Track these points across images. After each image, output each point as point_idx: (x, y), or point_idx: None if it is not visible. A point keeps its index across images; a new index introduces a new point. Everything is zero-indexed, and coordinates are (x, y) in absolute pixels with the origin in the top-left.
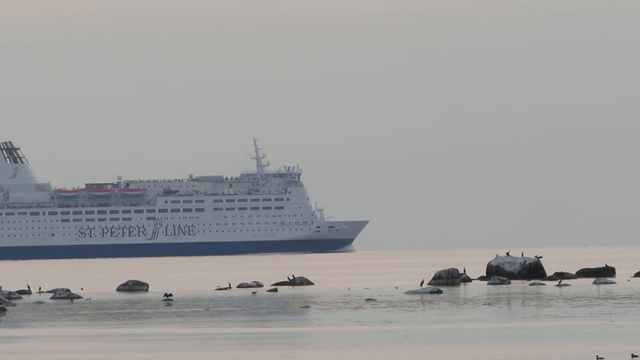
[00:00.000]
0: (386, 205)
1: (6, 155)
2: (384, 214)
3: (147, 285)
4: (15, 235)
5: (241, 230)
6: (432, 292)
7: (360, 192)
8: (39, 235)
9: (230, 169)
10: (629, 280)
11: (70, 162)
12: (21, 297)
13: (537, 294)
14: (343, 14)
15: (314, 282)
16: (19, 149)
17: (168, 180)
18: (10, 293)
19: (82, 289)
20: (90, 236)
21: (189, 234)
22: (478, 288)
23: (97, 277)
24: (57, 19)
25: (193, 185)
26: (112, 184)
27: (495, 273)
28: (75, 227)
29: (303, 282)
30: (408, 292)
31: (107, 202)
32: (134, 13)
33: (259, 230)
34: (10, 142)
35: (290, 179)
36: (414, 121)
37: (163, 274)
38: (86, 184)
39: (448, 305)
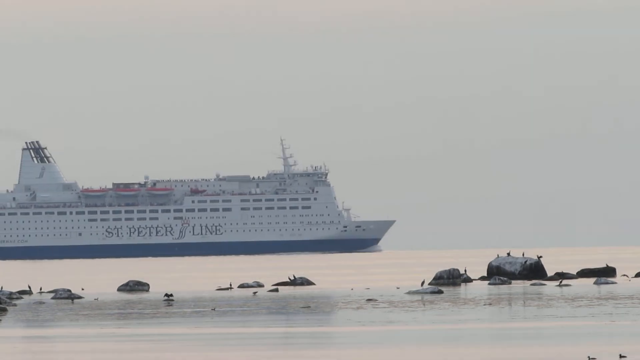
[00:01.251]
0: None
1: (33, 155)
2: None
3: (147, 285)
4: (42, 235)
5: (268, 230)
6: (432, 293)
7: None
8: (66, 235)
9: (257, 168)
10: (625, 276)
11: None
12: (22, 298)
13: (537, 294)
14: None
15: (315, 282)
16: (46, 148)
17: (195, 180)
18: (11, 293)
19: (83, 289)
20: (118, 236)
21: (216, 233)
22: (479, 288)
23: (98, 277)
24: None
25: (220, 185)
26: (139, 184)
27: (496, 273)
28: (103, 227)
29: (304, 282)
30: (409, 293)
31: (134, 202)
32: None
33: (285, 230)
34: (37, 142)
35: (317, 179)
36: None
37: (164, 274)
38: (113, 184)
39: (449, 305)
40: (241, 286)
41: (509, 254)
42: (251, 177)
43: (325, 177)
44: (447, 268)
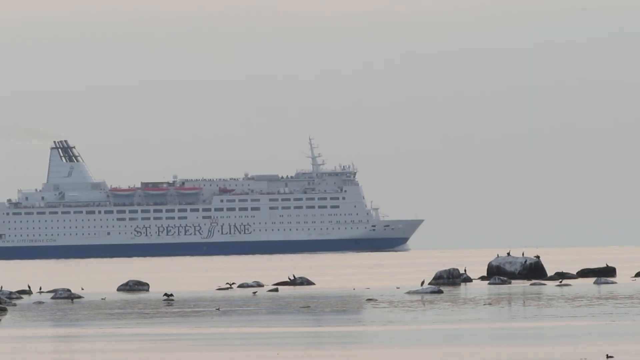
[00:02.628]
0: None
1: (62, 154)
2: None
3: (147, 285)
4: (71, 234)
5: (297, 230)
6: (432, 292)
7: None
8: (95, 234)
9: (285, 167)
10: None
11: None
12: (22, 297)
13: (537, 294)
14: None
15: (315, 282)
16: (74, 147)
17: (223, 179)
18: (10, 293)
19: (82, 288)
20: (146, 235)
21: (244, 232)
22: (479, 288)
23: (98, 277)
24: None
25: (249, 184)
26: (168, 183)
27: (496, 273)
28: (131, 226)
29: (304, 282)
30: (409, 292)
31: (163, 201)
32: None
33: (314, 229)
34: (65, 141)
35: (345, 178)
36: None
37: (164, 274)
38: (142, 183)
39: (449, 305)
40: (241, 286)
41: (508, 253)
42: (280, 176)
43: (354, 177)
44: (447, 268)
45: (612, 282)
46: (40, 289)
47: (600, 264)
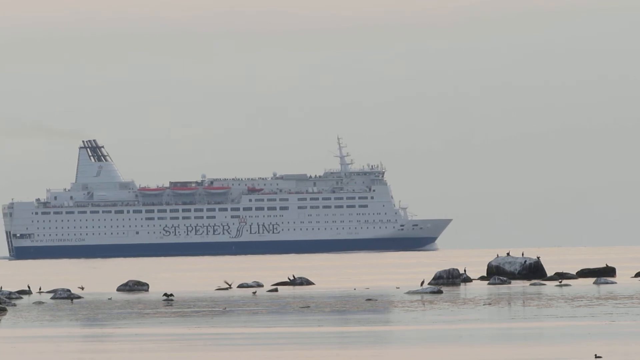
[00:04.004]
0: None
1: (90, 154)
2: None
3: (147, 285)
4: (99, 234)
5: (325, 229)
6: (432, 292)
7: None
8: (124, 233)
9: (314, 167)
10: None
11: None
12: (21, 298)
13: (537, 294)
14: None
15: (314, 282)
16: (103, 147)
17: (252, 179)
18: (10, 293)
19: (83, 289)
20: (175, 234)
21: (273, 232)
22: (478, 288)
23: (98, 277)
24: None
25: (277, 184)
26: (196, 182)
27: (496, 273)
28: (160, 226)
29: (303, 282)
30: (409, 292)
31: (192, 201)
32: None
33: (342, 228)
34: (94, 141)
35: (374, 177)
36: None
37: (164, 274)
38: (170, 182)
39: (448, 305)
40: (240, 286)
41: (508, 253)
42: (308, 175)
43: (382, 176)
44: (446, 268)
45: (612, 282)
46: (40, 289)
47: (600, 264)
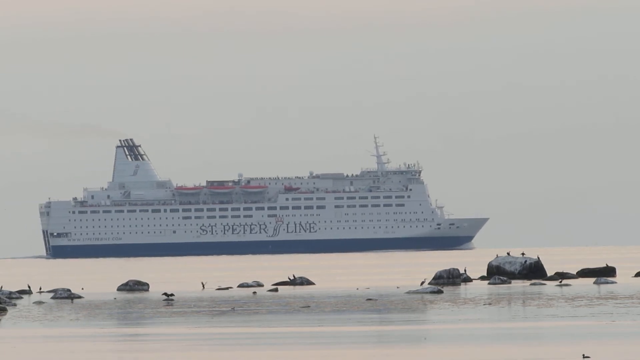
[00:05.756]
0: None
1: (127, 153)
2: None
3: (147, 285)
4: (136, 233)
5: (362, 228)
6: (432, 292)
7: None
8: (161, 232)
9: (350, 166)
10: None
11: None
12: (22, 297)
13: (537, 293)
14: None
15: (314, 282)
16: (139, 146)
17: (289, 178)
18: (10, 293)
19: (82, 288)
20: (212, 233)
21: (309, 231)
22: (479, 288)
23: (98, 277)
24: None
25: (314, 183)
26: (233, 181)
27: (496, 273)
28: (197, 225)
29: (304, 282)
30: (409, 292)
31: (228, 200)
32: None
33: (379, 227)
34: (131, 140)
35: (410, 176)
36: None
37: (164, 274)
38: (207, 181)
39: (449, 305)
40: (241, 286)
41: (508, 253)
42: (345, 174)
43: (419, 175)
44: (447, 268)
45: (612, 282)
46: (40, 289)
47: (600, 264)
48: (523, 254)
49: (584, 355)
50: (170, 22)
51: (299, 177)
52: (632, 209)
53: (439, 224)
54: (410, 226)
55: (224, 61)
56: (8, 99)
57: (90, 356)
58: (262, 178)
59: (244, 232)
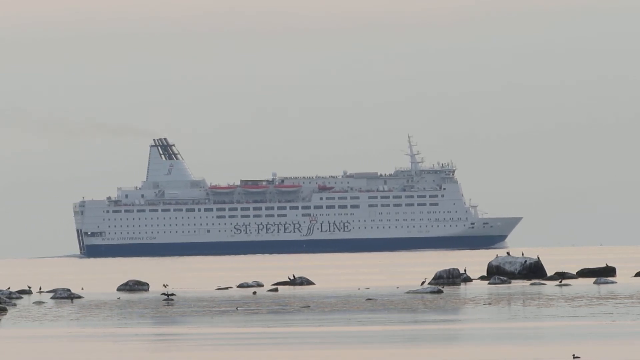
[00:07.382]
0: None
1: (161, 152)
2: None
3: (147, 285)
4: (171, 232)
5: (396, 227)
6: (432, 292)
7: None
8: (195, 231)
9: (384, 165)
10: None
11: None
12: (22, 297)
13: (537, 293)
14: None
15: (315, 282)
16: (174, 145)
17: (322, 177)
18: (10, 293)
19: (82, 288)
20: (246, 232)
21: (344, 230)
22: (479, 288)
23: (97, 277)
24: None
25: (348, 182)
26: (267, 181)
27: (496, 273)
28: (231, 224)
29: (304, 282)
30: (409, 292)
31: (262, 199)
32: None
33: (413, 226)
34: (165, 139)
35: (444, 176)
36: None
37: (165, 274)
38: (241, 181)
39: (449, 305)
40: (240, 286)
41: (508, 253)
42: (379, 174)
43: (453, 174)
44: (447, 268)
45: (612, 282)
46: (40, 289)
47: (600, 264)
48: (523, 253)
49: (574, 355)
50: (170, 22)
51: (333, 177)
52: (633, 209)
53: (472, 223)
54: (444, 225)
55: (224, 61)
56: (8, 99)
57: (90, 356)
58: (296, 177)
59: (277, 232)
